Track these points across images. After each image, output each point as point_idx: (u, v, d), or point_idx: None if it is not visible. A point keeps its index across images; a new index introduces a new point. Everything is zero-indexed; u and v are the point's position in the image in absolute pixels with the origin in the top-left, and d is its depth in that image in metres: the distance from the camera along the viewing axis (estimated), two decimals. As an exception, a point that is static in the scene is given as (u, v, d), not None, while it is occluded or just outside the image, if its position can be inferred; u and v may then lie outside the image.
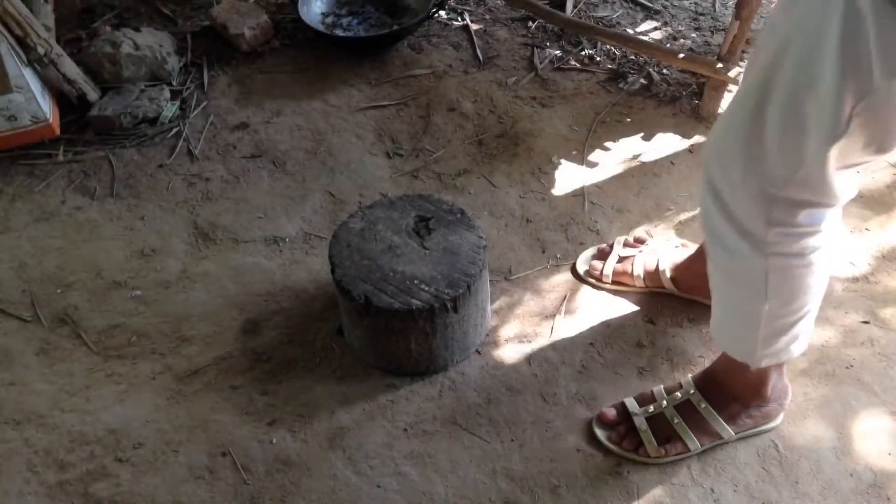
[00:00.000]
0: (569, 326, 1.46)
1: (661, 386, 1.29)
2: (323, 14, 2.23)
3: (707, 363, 1.34)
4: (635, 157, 1.80)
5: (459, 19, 2.24)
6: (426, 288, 1.26)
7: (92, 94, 1.95)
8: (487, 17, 2.25)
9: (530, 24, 2.21)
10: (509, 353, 1.42)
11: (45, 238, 1.69)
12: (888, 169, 1.74)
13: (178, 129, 1.93)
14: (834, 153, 0.86)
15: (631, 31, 2.13)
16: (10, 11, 1.73)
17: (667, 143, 1.83)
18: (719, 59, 1.77)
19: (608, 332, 1.45)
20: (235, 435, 1.33)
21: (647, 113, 1.90)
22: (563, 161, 1.79)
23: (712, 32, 2.13)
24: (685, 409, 1.25)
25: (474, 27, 2.21)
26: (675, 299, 1.47)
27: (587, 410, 1.32)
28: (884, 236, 1.59)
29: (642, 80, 2.00)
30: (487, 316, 1.45)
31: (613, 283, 1.50)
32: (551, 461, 1.26)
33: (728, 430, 1.23)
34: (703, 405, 1.23)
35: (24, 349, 1.47)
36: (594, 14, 2.21)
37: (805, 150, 0.87)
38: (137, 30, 2.09)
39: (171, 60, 2.06)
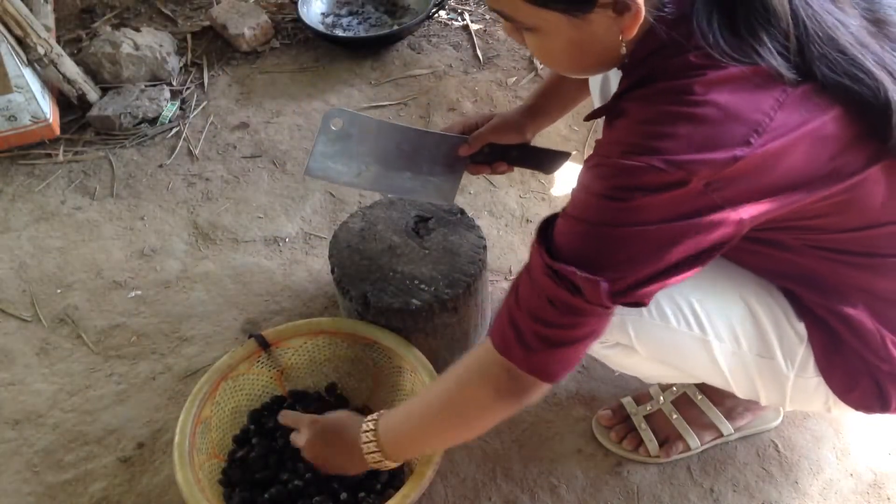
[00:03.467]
0: (569, 326, 1.46)
1: (657, 385, 1.29)
2: (323, 14, 2.24)
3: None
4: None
5: (459, 19, 2.25)
6: (426, 288, 1.26)
7: (92, 94, 1.95)
8: (487, 17, 2.25)
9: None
10: (509, 353, 1.42)
11: (45, 238, 1.69)
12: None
13: (178, 129, 1.93)
14: None
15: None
16: (10, 11, 1.74)
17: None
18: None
19: (608, 332, 1.45)
20: (235, 435, 1.33)
21: (647, 113, 1.91)
22: (563, 161, 1.79)
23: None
24: (682, 402, 1.25)
25: (474, 27, 2.21)
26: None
27: (587, 410, 1.32)
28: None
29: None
30: (487, 316, 1.45)
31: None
32: (551, 461, 1.26)
33: (727, 425, 1.23)
34: (699, 396, 1.24)
35: (24, 349, 1.47)
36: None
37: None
38: (137, 30, 2.09)
39: (171, 60, 2.06)
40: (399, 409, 1.03)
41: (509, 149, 1.25)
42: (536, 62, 2.06)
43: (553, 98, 1.26)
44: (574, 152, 1.78)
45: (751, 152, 0.71)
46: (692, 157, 0.71)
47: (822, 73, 0.74)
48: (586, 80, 1.17)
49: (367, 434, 1.01)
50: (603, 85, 1.10)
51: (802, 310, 0.95)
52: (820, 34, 0.74)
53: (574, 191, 0.81)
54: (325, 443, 1.08)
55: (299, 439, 1.10)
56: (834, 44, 0.74)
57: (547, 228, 0.83)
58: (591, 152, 0.80)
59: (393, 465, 1.03)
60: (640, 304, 0.80)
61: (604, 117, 0.85)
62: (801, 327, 0.95)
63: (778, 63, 0.73)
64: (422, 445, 1.04)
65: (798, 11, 0.73)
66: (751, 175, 0.73)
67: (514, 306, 0.85)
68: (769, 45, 0.73)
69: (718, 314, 0.96)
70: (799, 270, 0.91)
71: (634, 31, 0.76)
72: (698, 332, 0.95)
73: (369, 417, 1.03)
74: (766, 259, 0.91)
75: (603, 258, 0.77)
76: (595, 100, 1.15)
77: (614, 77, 1.05)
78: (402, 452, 1.02)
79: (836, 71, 0.74)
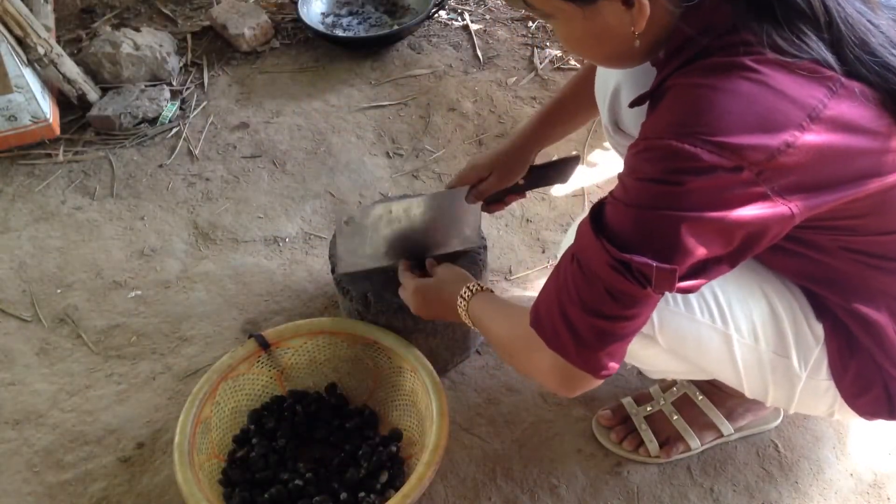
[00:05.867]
0: (569, 326, 1.46)
1: (657, 385, 1.29)
2: (323, 14, 2.24)
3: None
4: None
5: (459, 19, 2.25)
6: (426, 288, 1.26)
7: (92, 94, 1.95)
8: (487, 17, 2.25)
9: (530, 24, 2.21)
10: (509, 353, 1.42)
11: (45, 238, 1.69)
12: None
13: (178, 129, 1.93)
14: None
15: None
16: (10, 11, 1.74)
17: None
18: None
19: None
20: (235, 435, 1.33)
21: (647, 113, 1.90)
22: (563, 161, 1.79)
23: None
24: (683, 403, 1.25)
25: (474, 27, 2.21)
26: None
27: (587, 410, 1.32)
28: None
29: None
30: (487, 316, 1.44)
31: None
32: (551, 461, 1.26)
33: (727, 426, 1.23)
34: (700, 397, 1.24)
35: (24, 349, 1.47)
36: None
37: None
38: (137, 30, 2.09)
39: (171, 60, 2.06)
40: (488, 309, 1.07)
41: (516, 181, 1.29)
42: (536, 62, 2.06)
43: (556, 124, 1.27)
44: (574, 152, 1.78)
45: (803, 138, 0.71)
46: (744, 141, 0.70)
47: (856, 71, 0.74)
48: (593, 102, 1.17)
49: (462, 301, 1.10)
50: (612, 101, 1.09)
51: (822, 311, 0.95)
52: (853, 37, 0.74)
53: (622, 175, 0.78)
54: (425, 302, 1.18)
55: (403, 294, 1.22)
56: (866, 46, 0.74)
57: (598, 216, 0.80)
58: (639, 135, 0.78)
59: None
60: (690, 291, 0.79)
61: (647, 104, 0.84)
62: (819, 329, 0.95)
63: (828, 55, 0.73)
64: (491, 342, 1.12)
65: (832, 13, 0.73)
66: (802, 164, 0.72)
67: (566, 299, 0.83)
68: (815, 40, 0.73)
69: (741, 309, 0.95)
70: (827, 273, 0.90)
71: (643, 26, 0.76)
72: (721, 326, 0.95)
73: (466, 289, 1.10)
74: (797, 260, 0.90)
75: (662, 245, 0.75)
76: (604, 116, 1.15)
77: (625, 92, 1.05)
78: (476, 329, 1.10)
79: (867, 71, 0.74)
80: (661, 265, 0.75)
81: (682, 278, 0.77)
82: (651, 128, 0.76)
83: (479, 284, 1.11)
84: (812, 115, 0.71)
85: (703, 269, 0.78)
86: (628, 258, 0.75)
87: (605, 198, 0.80)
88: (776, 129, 0.71)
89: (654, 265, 0.75)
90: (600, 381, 0.88)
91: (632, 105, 0.90)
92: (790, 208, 0.74)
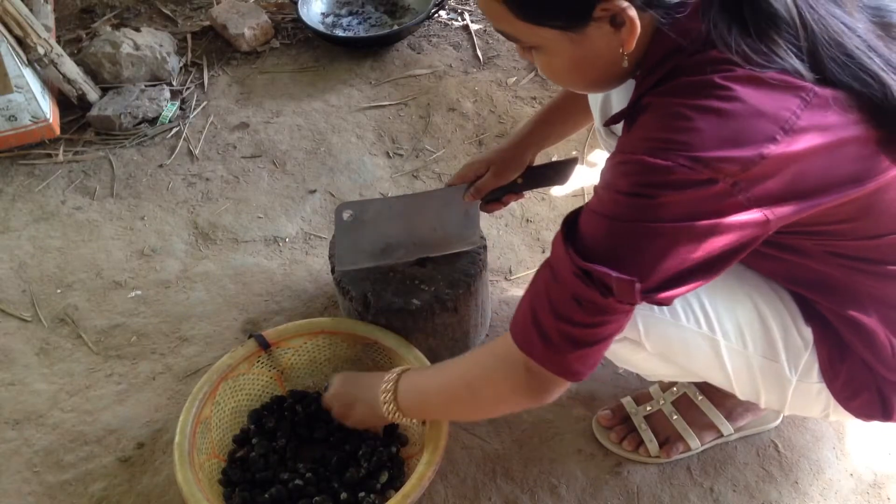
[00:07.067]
0: (569, 326, 1.46)
1: (657, 385, 1.29)
2: (323, 14, 2.24)
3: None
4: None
5: (459, 19, 2.25)
6: (426, 288, 1.26)
7: (92, 94, 1.95)
8: (487, 17, 2.25)
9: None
10: (509, 353, 1.42)
11: (45, 238, 1.69)
12: None
13: (178, 129, 1.93)
14: None
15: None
16: (10, 11, 1.74)
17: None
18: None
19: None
20: (235, 435, 1.32)
21: (647, 113, 1.90)
22: (563, 161, 1.79)
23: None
24: (683, 403, 1.25)
25: (474, 27, 2.21)
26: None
27: (587, 410, 1.32)
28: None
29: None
30: (487, 316, 1.45)
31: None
32: (551, 461, 1.26)
33: (727, 426, 1.23)
34: (699, 397, 1.24)
35: (24, 349, 1.47)
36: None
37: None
38: (137, 30, 2.09)
39: (171, 60, 2.06)
40: (421, 375, 1.09)
41: (514, 180, 1.28)
42: (536, 62, 2.07)
43: (554, 125, 1.27)
44: (574, 152, 1.78)
45: (777, 150, 0.71)
46: (719, 154, 0.71)
47: (833, 76, 0.74)
48: (588, 105, 1.17)
49: (387, 386, 1.08)
50: (604, 103, 1.09)
51: (811, 315, 0.95)
52: (827, 38, 0.74)
53: (598, 187, 0.80)
54: (347, 395, 1.16)
55: (327, 395, 1.18)
56: (841, 48, 0.74)
57: (572, 226, 0.81)
58: (615, 149, 0.79)
59: (407, 420, 1.11)
60: (664, 303, 0.80)
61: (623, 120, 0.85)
62: (808, 332, 0.95)
63: (798, 64, 0.73)
64: (434, 414, 1.11)
65: (805, 16, 0.74)
66: (777, 174, 0.72)
67: (538, 304, 0.84)
68: (785, 48, 0.73)
69: (727, 313, 0.95)
70: (816, 277, 0.90)
71: (633, 44, 0.76)
72: (707, 331, 0.95)
73: (391, 373, 1.10)
74: (784, 265, 0.91)
75: (632, 256, 0.76)
76: (596, 119, 1.15)
77: (615, 95, 1.05)
78: (414, 414, 1.10)
79: (844, 74, 0.74)
80: (621, 276, 0.75)
81: (657, 289, 0.77)
82: (627, 143, 0.77)
83: (389, 381, 1.09)
84: (785, 128, 0.72)
85: (679, 280, 0.78)
86: (590, 267, 0.77)
87: (580, 208, 0.82)
88: (750, 142, 0.71)
89: (613, 275, 0.75)
90: (568, 385, 0.89)
91: (606, 124, 0.92)
92: (765, 215, 0.74)
